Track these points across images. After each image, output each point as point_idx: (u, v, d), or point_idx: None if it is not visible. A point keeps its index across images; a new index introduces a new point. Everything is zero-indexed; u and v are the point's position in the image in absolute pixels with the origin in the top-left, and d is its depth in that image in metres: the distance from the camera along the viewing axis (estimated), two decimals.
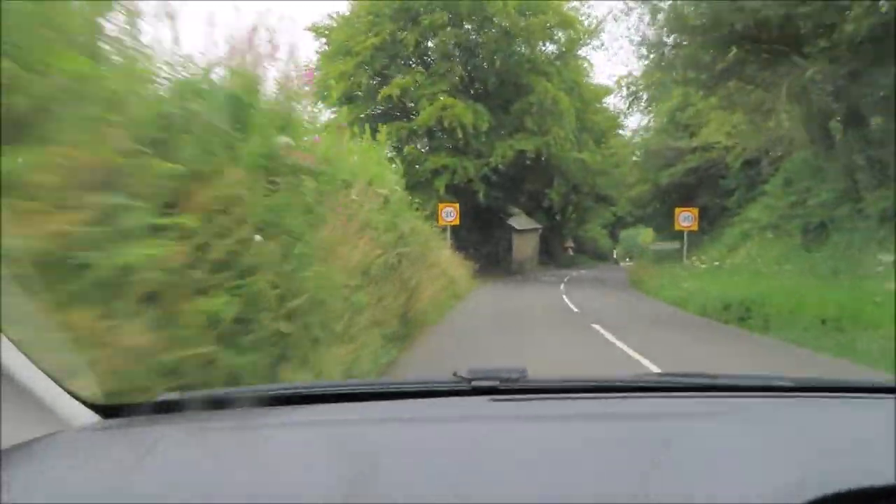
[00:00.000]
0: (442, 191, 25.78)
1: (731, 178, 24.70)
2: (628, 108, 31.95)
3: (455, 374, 1.40)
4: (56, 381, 1.17)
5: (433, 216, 19.66)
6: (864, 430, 1.13)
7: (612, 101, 39.66)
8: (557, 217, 47.32)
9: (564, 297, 17.87)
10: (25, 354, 1.12)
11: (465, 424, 1.20)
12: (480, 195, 28.41)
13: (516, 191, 33.26)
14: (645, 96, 29.63)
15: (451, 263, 17.50)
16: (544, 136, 28.13)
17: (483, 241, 30.03)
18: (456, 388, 1.39)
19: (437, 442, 1.10)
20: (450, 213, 22.07)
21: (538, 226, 43.47)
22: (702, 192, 27.60)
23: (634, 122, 61.78)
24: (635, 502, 0.82)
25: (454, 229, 22.33)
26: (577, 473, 0.93)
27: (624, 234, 77.13)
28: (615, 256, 69.12)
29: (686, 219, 21.94)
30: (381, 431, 1.17)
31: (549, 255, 45.38)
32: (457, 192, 28.10)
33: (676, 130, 28.50)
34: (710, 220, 25.50)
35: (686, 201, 25.25)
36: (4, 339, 1.09)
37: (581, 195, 43.77)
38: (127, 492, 0.89)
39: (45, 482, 0.91)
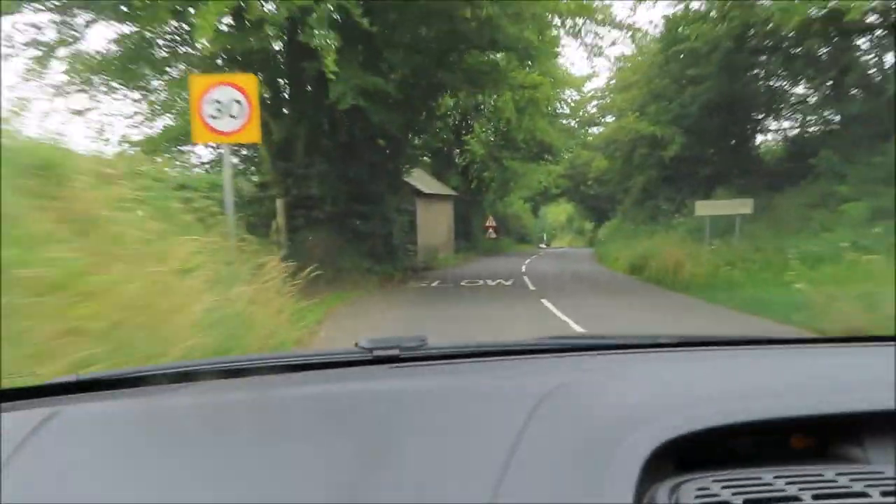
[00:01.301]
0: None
1: None
2: None
3: (356, 345, 1.44)
4: None
5: None
6: (739, 377, 1.22)
7: None
8: (474, 182, 33.94)
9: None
10: None
11: (366, 392, 1.21)
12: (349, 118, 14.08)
13: (415, 124, 18.50)
14: None
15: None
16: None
17: (352, 212, 15.46)
18: (358, 359, 1.42)
19: (340, 412, 1.11)
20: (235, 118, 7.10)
21: (451, 192, 29.39)
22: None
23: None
24: (516, 447, 0.87)
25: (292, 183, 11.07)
26: (456, 431, 0.98)
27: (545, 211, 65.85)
28: (545, 240, 57.14)
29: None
30: (284, 404, 1.18)
31: (467, 237, 31.48)
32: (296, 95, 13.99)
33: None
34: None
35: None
36: None
37: (512, 149, 30.32)
38: None
39: None
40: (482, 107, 28.59)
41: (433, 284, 15.47)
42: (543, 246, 52.38)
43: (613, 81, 28.30)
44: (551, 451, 0.87)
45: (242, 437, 1.00)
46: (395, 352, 1.39)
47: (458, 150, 31.10)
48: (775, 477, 0.82)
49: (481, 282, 15.93)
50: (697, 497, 0.78)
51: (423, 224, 23.49)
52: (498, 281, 15.99)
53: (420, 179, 24.13)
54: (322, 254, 12.04)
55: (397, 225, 17.86)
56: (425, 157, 27.67)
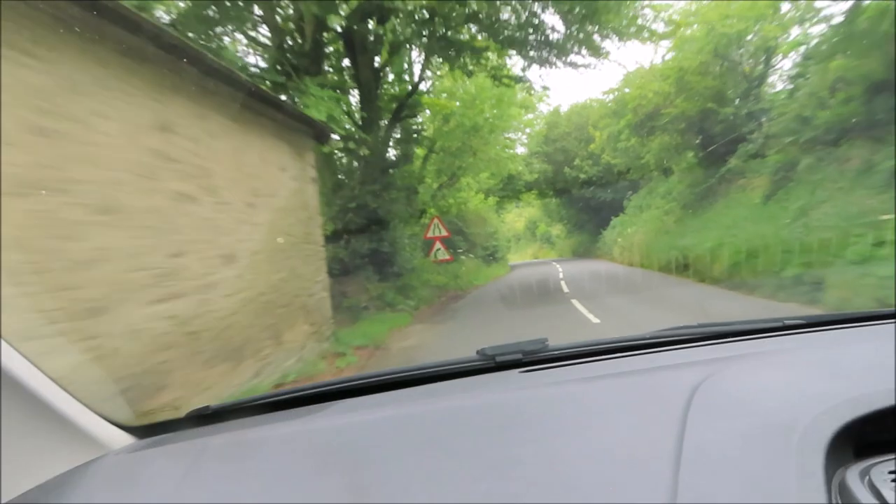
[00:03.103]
0: None
1: None
2: None
3: (479, 353, 1.42)
4: (90, 408, 1.17)
5: None
6: (879, 354, 1.15)
7: None
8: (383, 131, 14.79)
9: None
10: (58, 384, 1.12)
11: (497, 399, 1.19)
12: None
13: None
14: None
15: None
16: None
17: None
18: (483, 366, 1.39)
19: (474, 420, 1.08)
20: None
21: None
22: None
23: None
24: (672, 448, 0.83)
25: None
26: (614, 430, 0.94)
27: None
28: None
29: None
30: (421, 416, 1.15)
31: (382, 268, 12.45)
32: None
33: None
34: None
35: None
36: (38, 371, 1.09)
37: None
38: None
39: None
40: None
41: None
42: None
43: None
44: (720, 443, 0.84)
45: (378, 456, 0.98)
46: (519, 356, 1.39)
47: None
48: None
49: None
50: (894, 479, 0.75)
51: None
52: None
53: None
54: None
55: None
56: None
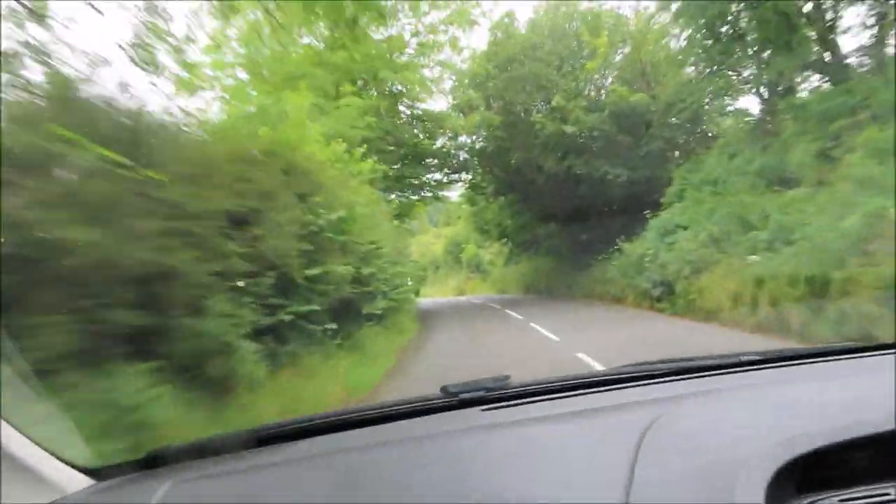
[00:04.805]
0: None
1: None
2: None
3: (442, 390, 1.43)
4: (46, 449, 1.17)
5: None
6: (831, 391, 1.20)
7: None
8: None
9: None
10: (13, 425, 1.12)
11: (458, 438, 1.20)
12: None
13: None
14: None
15: None
16: None
17: None
18: (445, 404, 1.40)
19: (434, 460, 1.10)
20: None
21: None
22: None
23: None
24: (632, 483, 0.85)
25: None
26: (569, 470, 0.98)
27: None
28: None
29: None
30: (377, 458, 1.17)
31: None
32: None
33: None
34: None
35: None
36: None
37: None
38: None
39: None
40: None
41: None
42: None
43: None
44: (668, 482, 0.87)
45: (341, 496, 1.01)
46: (482, 393, 1.40)
47: None
48: None
49: None
50: None
51: None
52: None
53: None
54: None
55: None
56: None
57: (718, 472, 0.85)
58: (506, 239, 28.73)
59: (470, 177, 23.24)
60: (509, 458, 1.05)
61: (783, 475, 0.84)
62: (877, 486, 0.85)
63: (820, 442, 0.88)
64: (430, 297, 32.98)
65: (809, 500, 0.84)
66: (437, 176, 22.63)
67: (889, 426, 0.91)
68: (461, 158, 21.59)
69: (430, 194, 23.57)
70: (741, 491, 0.80)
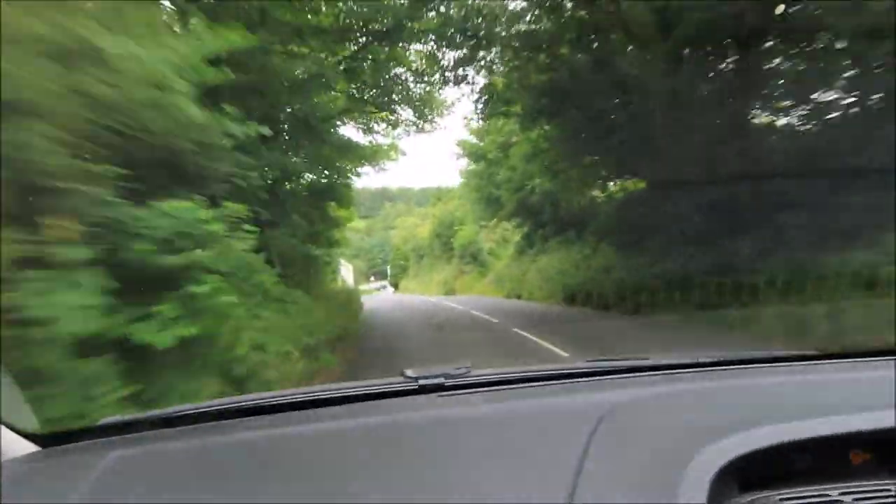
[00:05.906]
0: None
1: None
2: None
3: (402, 375, 1.47)
4: None
5: None
6: (783, 394, 1.24)
7: None
8: None
9: None
10: None
11: (414, 420, 1.23)
12: None
13: None
14: None
15: None
16: None
17: None
18: (405, 389, 1.43)
19: (390, 440, 1.13)
20: None
21: None
22: None
23: None
24: (578, 480, 0.87)
25: None
26: (522, 464, 0.98)
27: None
28: (387, 278, 22.64)
29: None
30: (335, 437, 1.18)
31: None
32: None
33: None
34: None
35: None
36: None
37: None
38: None
39: None
40: None
41: None
42: (382, 286, 27.30)
43: None
44: (617, 474, 0.90)
45: (293, 472, 1.02)
46: (441, 380, 1.43)
47: None
48: (841, 493, 0.86)
49: None
50: None
51: None
52: None
53: None
54: None
55: None
56: None
57: (666, 468, 0.88)
58: (526, 216, 19.08)
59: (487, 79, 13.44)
60: (463, 441, 1.08)
61: (727, 474, 0.87)
62: (816, 486, 0.89)
63: (764, 442, 0.92)
64: (408, 293, 24.12)
65: (751, 497, 0.88)
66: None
67: (826, 430, 0.95)
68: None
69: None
70: (685, 488, 0.83)
